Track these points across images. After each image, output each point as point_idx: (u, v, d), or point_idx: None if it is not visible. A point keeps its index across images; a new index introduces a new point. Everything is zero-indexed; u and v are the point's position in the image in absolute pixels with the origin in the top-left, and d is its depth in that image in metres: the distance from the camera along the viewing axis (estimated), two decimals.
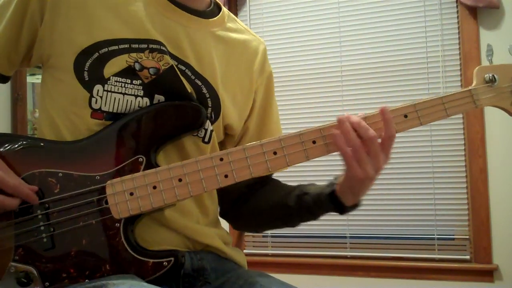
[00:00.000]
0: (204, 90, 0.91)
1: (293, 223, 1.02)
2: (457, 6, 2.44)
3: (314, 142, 0.83)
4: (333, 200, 0.89)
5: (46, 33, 0.85)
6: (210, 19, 0.96)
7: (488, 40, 2.35)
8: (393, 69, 2.51)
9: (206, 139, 0.92)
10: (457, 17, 2.44)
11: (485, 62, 2.44)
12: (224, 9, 1.01)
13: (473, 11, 2.37)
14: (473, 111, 2.36)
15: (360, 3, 2.58)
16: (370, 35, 2.56)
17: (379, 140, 0.82)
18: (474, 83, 0.89)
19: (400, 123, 0.84)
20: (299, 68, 2.65)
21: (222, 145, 1.00)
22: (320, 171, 2.42)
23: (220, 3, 1.02)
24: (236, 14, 2.74)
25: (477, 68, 0.90)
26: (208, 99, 0.92)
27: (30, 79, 2.41)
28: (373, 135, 0.80)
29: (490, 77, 0.89)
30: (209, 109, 0.92)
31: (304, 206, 0.94)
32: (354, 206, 0.89)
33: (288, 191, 0.99)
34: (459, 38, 2.44)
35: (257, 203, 1.03)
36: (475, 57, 2.37)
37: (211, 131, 0.92)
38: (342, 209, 0.89)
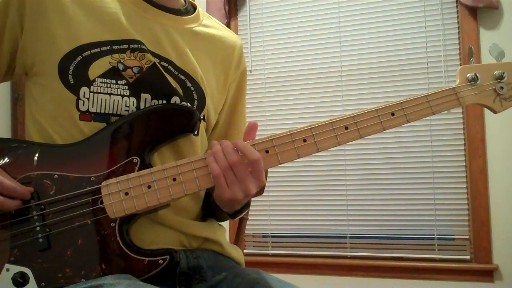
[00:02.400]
0: (189, 84, 0.93)
1: (220, 219, 1.04)
2: (457, 6, 2.43)
3: (304, 140, 0.84)
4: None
5: (28, 41, 0.86)
6: (186, 17, 0.98)
7: (488, 40, 2.35)
8: (393, 69, 2.51)
9: (196, 132, 0.94)
10: (457, 17, 2.44)
11: (485, 63, 2.45)
12: (199, 9, 1.04)
13: (473, 11, 2.37)
14: (473, 111, 2.36)
15: (360, 3, 2.58)
16: (370, 35, 2.56)
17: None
18: (458, 81, 0.94)
19: (387, 120, 0.87)
20: (299, 68, 2.65)
21: None
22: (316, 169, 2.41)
23: (195, 3, 1.05)
24: (236, 14, 2.74)
25: (460, 67, 0.96)
26: (194, 92, 0.93)
27: None
28: (233, 160, 0.80)
29: (473, 76, 0.93)
30: (195, 102, 0.94)
31: (212, 206, 0.98)
32: (237, 212, 0.91)
33: None
34: (459, 38, 2.43)
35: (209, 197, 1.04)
36: (475, 57, 2.36)
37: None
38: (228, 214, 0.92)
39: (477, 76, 0.93)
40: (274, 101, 2.68)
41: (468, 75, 0.93)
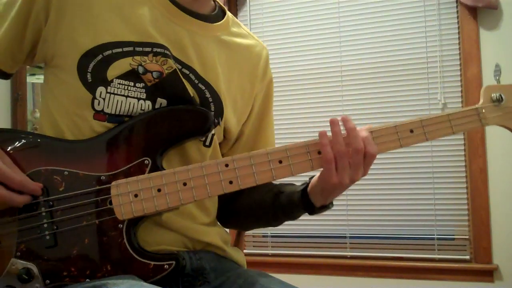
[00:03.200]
0: (207, 94, 0.91)
1: (270, 223, 1.01)
2: (457, 6, 2.44)
3: (319, 152, 0.83)
4: (304, 199, 0.89)
5: (50, 33, 0.85)
6: (215, 24, 0.96)
7: (488, 40, 2.36)
8: (393, 69, 2.51)
9: (207, 143, 0.92)
10: (457, 17, 2.44)
11: (484, 63, 2.44)
12: (229, 13, 1.02)
13: (473, 11, 2.38)
14: None
15: (360, 3, 2.58)
16: (370, 35, 2.56)
17: None
18: (481, 101, 0.90)
19: (406, 138, 0.85)
20: (299, 68, 2.65)
21: None
22: None
23: (224, 7, 1.02)
24: (236, 14, 2.74)
25: (484, 86, 0.91)
26: (211, 103, 0.92)
27: (30, 79, 2.40)
28: (360, 147, 0.80)
29: (497, 97, 0.89)
30: (212, 113, 0.92)
31: (278, 205, 0.95)
32: (324, 207, 0.89)
33: (268, 189, 0.99)
34: (459, 38, 2.44)
35: (240, 202, 1.03)
36: (475, 57, 2.37)
37: (213, 135, 0.92)
38: (311, 209, 0.89)
39: (502, 97, 0.89)
40: (274, 101, 2.67)
41: (492, 95, 0.90)
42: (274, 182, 1.01)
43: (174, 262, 0.81)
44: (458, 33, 2.44)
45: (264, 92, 1.05)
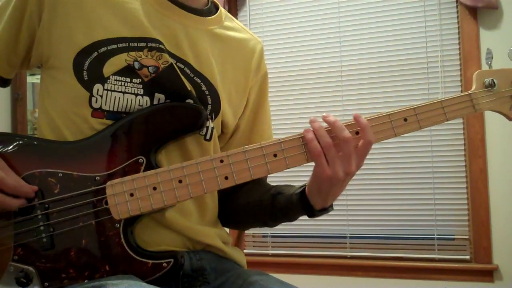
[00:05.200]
0: (204, 88, 0.91)
1: (268, 223, 1.00)
2: (457, 6, 2.43)
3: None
4: (303, 202, 0.88)
5: (45, 33, 0.85)
6: (208, 17, 0.96)
7: (488, 40, 2.36)
8: (393, 69, 2.51)
9: (208, 137, 0.92)
10: (457, 17, 2.44)
11: (484, 63, 2.43)
12: (222, 9, 1.01)
13: (473, 11, 2.37)
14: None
15: (360, 3, 2.58)
16: (370, 35, 2.56)
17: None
18: (474, 87, 0.89)
19: (399, 126, 0.85)
20: (299, 68, 2.65)
21: None
22: None
23: (217, 2, 1.02)
24: (236, 14, 2.74)
25: (476, 72, 0.90)
26: (208, 96, 0.92)
27: (30, 79, 2.41)
28: (347, 136, 0.80)
29: (490, 82, 0.89)
30: (209, 106, 0.92)
31: (277, 206, 0.94)
32: (324, 210, 0.88)
33: (266, 190, 0.98)
34: (459, 38, 2.44)
35: (237, 201, 1.02)
36: (475, 57, 2.37)
37: (212, 128, 0.92)
38: (311, 211, 0.88)
39: (494, 82, 0.88)
40: (274, 101, 2.67)
41: (485, 80, 0.89)
42: (274, 183, 1.01)
43: (172, 260, 0.81)
44: (458, 33, 2.44)
45: (258, 86, 1.04)
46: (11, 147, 0.83)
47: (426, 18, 2.48)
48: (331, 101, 2.60)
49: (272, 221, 0.98)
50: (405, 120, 0.85)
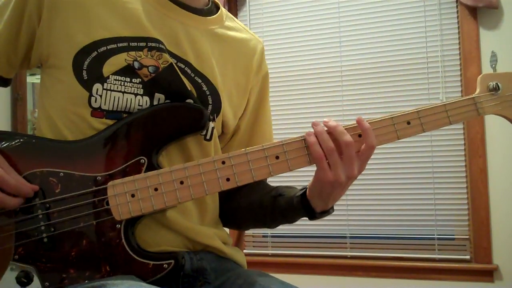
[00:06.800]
0: (204, 88, 0.91)
1: (268, 224, 1.00)
2: (457, 6, 2.43)
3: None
4: (303, 204, 0.88)
5: (44, 32, 0.85)
6: (209, 17, 0.96)
7: (488, 40, 2.36)
8: (393, 69, 2.51)
9: (208, 137, 0.92)
10: (457, 17, 2.44)
11: (485, 63, 2.43)
12: (222, 8, 1.01)
13: (473, 11, 2.37)
14: None
15: (360, 3, 2.58)
16: (370, 35, 2.56)
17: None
18: (478, 90, 0.88)
19: (403, 129, 0.84)
20: (299, 68, 2.65)
21: None
22: None
23: (218, 2, 1.02)
24: (236, 14, 2.74)
25: (480, 75, 0.89)
26: (209, 96, 0.91)
27: (30, 79, 2.41)
28: (349, 140, 0.79)
29: (494, 85, 0.88)
30: (210, 106, 0.92)
31: (277, 208, 0.93)
32: (324, 212, 0.88)
33: (267, 191, 0.98)
34: (459, 38, 2.44)
35: (238, 201, 1.02)
36: (475, 57, 2.37)
37: (213, 128, 0.92)
38: (312, 213, 0.88)
39: (498, 86, 0.87)
40: (274, 101, 2.67)
41: (489, 84, 0.88)
42: (274, 184, 1.01)
43: (173, 261, 0.81)
44: (458, 33, 2.44)
45: (259, 86, 1.04)
46: (12, 145, 0.83)
47: (426, 18, 2.48)
48: (331, 101, 2.60)
49: (272, 223, 0.98)
50: (408, 123, 0.84)
